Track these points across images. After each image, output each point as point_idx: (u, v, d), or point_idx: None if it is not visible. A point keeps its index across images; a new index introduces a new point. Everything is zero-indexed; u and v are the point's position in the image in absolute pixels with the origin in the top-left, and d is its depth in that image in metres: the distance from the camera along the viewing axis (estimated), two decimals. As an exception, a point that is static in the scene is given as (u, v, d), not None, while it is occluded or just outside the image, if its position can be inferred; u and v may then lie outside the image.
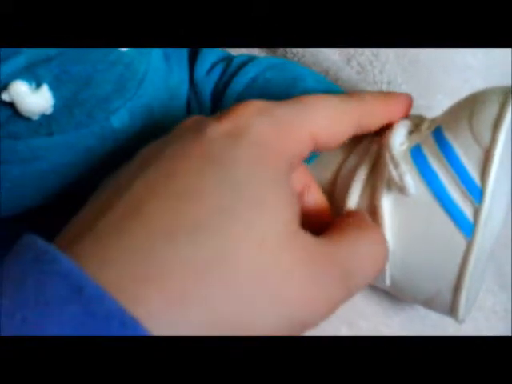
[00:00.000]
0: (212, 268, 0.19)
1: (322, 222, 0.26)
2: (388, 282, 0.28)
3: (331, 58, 0.37)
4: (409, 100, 0.28)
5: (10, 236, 0.23)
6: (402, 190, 0.26)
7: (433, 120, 0.28)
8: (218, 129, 0.22)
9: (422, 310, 0.31)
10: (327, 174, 0.29)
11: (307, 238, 0.22)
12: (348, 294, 0.22)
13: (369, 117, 0.26)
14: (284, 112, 0.23)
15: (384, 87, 0.36)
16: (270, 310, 0.20)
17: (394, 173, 0.26)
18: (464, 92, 0.34)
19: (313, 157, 0.30)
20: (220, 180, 0.21)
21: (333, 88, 0.32)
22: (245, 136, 0.22)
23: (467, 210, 0.25)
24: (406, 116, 0.28)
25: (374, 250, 0.24)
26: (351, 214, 0.26)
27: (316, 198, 0.27)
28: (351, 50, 0.37)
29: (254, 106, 0.23)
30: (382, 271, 0.27)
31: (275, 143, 0.22)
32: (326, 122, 0.24)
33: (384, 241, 0.25)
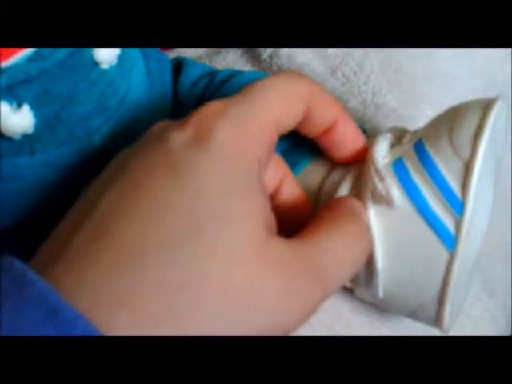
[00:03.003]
0: (182, 287, 0.19)
1: (301, 214, 0.26)
2: (381, 294, 0.28)
3: (316, 70, 0.37)
4: (359, 140, 0.27)
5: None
6: (388, 202, 0.26)
7: (414, 133, 0.28)
8: (181, 137, 0.22)
9: (407, 321, 0.31)
10: (311, 188, 0.29)
11: (279, 243, 0.21)
12: (325, 295, 0.22)
13: (317, 101, 0.25)
14: (240, 109, 0.23)
15: (369, 98, 0.36)
16: (245, 322, 0.20)
17: (379, 186, 0.26)
18: (448, 101, 0.34)
19: (297, 170, 0.30)
20: (184, 195, 0.20)
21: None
22: (207, 144, 0.21)
23: (449, 223, 0.25)
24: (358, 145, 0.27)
25: (350, 243, 0.23)
26: (332, 205, 0.25)
27: (293, 190, 0.27)
28: (336, 61, 0.38)
29: (212, 109, 0.22)
30: (372, 283, 0.27)
31: (238, 146, 0.22)
32: (283, 103, 0.24)
33: (364, 233, 0.24)
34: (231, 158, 0.21)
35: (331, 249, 0.22)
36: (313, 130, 0.26)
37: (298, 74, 0.25)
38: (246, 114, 0.23)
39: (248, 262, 0.20)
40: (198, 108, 0.23)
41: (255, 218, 0.21)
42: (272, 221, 0.23)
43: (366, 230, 0.25)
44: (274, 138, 0.24)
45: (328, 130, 0.26)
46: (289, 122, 0.24)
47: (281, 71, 0.24)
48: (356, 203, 0.26)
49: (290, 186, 0.26)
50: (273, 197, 0.26)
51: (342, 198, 0.26)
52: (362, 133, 0.28)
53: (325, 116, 0.26)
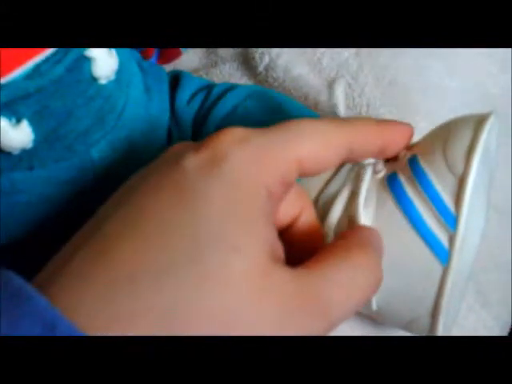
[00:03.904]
0: (171, 312, 0.19)
1: (316, 247, 0.25)
2: (375, 307, 0.28)
3: (311, 82, 0.38)
4: (407, 131, 0.26)
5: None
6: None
7: (408, 148, 0.28)
8: (195, 160, 0.21)
9: (402, 334, 0.32)
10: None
11: (282, 273, 0.21)
12: (330, 326, 0.21)
13: (360, 143, 0.24)
14: (265, 139, 0.22)
15: (363, 110, 0.37)
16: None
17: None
18: (441, 114, 0.35)
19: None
20: (186, 219, 0.20)
21: (311, 114, 0.32)
22: (220, 167, 0.21)
23: (443, 237, 0.26)
24: (406, 147, 0.27)
25: (359, 276, 0.22)
26: (346, 234, 0.24)
27: (310, 223, 0.26)
28: (332, 74, 0.38)
29: (234, 134, 0.22)
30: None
31: (248, 173, 0.21)
32: (312, 146, 0.23)
33: (374, 266, 0.23)
34: (239, 185, 0.21)
35: (337, 281, 0.21)
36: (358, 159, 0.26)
37: (338, 120, 0.24)
38: (271, 142, 0.22)
39: (245, 290, 0.20)
40: (217, 132, 0.22)
41: (257, 245, 0.20)
42: (279, 249, 0.22)
43: (379, 262, 0.23)
44: (293, 176, 0.23)
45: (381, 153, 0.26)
46: (317, 167, 0.23)
47: (322, 117, 0.24)
48: (373, 233, 0.25)
49: (307, 217, 0.26)
50: (289, 227, 0.26)
51: (358, 227, 0.25)
52: None
53: (372, 150, 0.25)
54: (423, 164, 0.26)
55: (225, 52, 0.42)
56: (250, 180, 0.21)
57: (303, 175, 0.23)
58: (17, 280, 0.19)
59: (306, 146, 0.22)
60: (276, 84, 0.38)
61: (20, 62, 0.26)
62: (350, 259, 0.22)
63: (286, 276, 0.21)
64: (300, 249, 0.25)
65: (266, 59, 0.38)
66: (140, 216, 0.21)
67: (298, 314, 0.20)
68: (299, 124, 0.23)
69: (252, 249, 0.20)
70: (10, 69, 0.26)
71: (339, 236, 0.25)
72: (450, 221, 0.25)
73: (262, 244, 0.21)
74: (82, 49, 0.27)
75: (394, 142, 0.26)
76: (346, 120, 0.24)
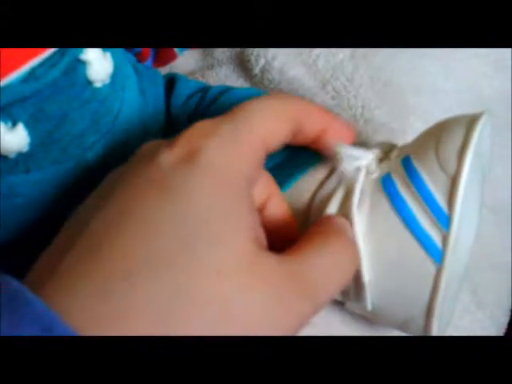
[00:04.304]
0: (169, 302, 0.19)
1: (286, 231, 0.26)
2: (370, 307, 0.28)
3: (306, 84, 0.38)
4: (347, 125, 0.28)
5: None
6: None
7: (402, 148, 0.29)
8: (170, 156, 0.22)
9: (397, 334, 0.32)
10: (301, 203, 0.29)
11: (269, 259, 0.22)
12: (314, 310, 0.22)
13: (306, 116, 0.26)
14: (228, 128, 0.23)
15: (358, 112, 0.37)
16: (237, 334, 0.20)
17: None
18: (436, 114, 0.35)
19: (288, 184, 0.30)
20: (172, 213, 0.21)
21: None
22: (195, 163, 0.22)
23: (436, 237, 0.26)
24: (349, 140, 0.28)
25: (339, 259, 0.24)
26: (320, 222, 0.26)
27: (279, 206, 0.27)
28: (327, 75, 0.38)
29: (201, 129, 0.23)
30: (361, 296, 0.28)
31: (226, 164, 0.22)
32: (270, 123, 0.24)
33: (350, 249, 0.25)
34: (219, 175, 0.22)
35: (320, 265, 0.23)
36: (304, 141, 0.27)
37: (285, 94, 0.25)
38: (234, 134, 0.23)
39: (237, 277, 0.20)
40: (187, 128, 0.23)
41: (243, 233, 0.21)
42: (262, 236, 0.23)
43: (353, 247, 0.25)
44: (262, 157, 0.24)
45: (320, 135, 0.27)
46: (276, 141, 0.25)
47: (270, 93, 0.25)
48: (343, 221, 0.26)
49: (277, 203, 0.27)
50: (259, 213, 0.27)
51: (329, 216, 0.27)
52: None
53: (315, 128, 0.26)
54: (416, 164, 0.27)
55: (221, 54, 0.42)
56: (227, 169, 0.22)
57: (267, 152, 0.24)
58: (15, 284, 0.20)
59: (266, 124, 0.24)
60: (272, 86, 0.38)
61: (15, 66, 0.26)
62: (329, 245, 0.24)
63: (273, 261, 0.22)
64: (271, 234, 0.25)
65: (262, 61, 0.39)
66: (123, 213, 0.21)
67: (288, 297, 0.21)
68: (250, 106, 0.24)
69: (239, 235, 0.21)
70: (6, 73, 0.26)
71: (314, 224, 0.26)
72: (443, 220, 0.26)
73: (248, 232, 0.22)
74: (77, 52, 0.27)
75: (333, 128, 0.27)
76: (291, 96, 0.25)
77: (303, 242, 0.24)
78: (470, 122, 0.26)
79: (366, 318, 0.31)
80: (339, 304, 0.30)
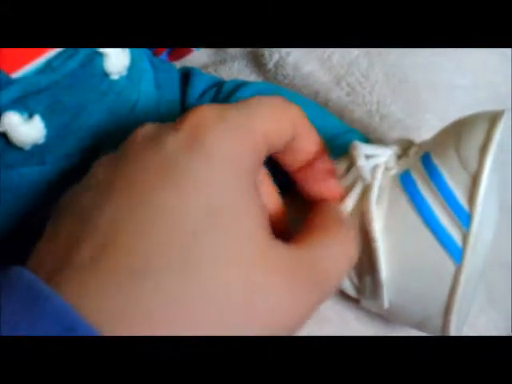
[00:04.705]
0: (192, 299, 0.19)
1: (277, 222, 0.26)
2: (386, 305, 0.28)
3: (321, 80, 0.37)
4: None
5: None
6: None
7: (421, 145, 0.28)
8: (175, 140, 0.22)
9: (413, 332, 0.32)
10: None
11: (280, 248, 0.22)
12: (322, 299, 0.23)
13: (303, 128, 0.25)
14: (235, 115, 0.23)
15: (374, 108, 0.36)
16: (250, 325, 0.20)
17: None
18: (452, 111, 0.35)
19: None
20: (187, 204, 0.20)
21: (321, 112, 0.32)
22: (204, 147, 0.21)
23: (456, 235, 0.25)
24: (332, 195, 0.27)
25: (342, 250, 0.24)
26: (319, 211, 0.26)
27: (271, 198, 0.27)
28: (341, 71, 0.38)
29: (207, 112, 0.22)
30: (378, 294, 0.28)
31: (234, 151, 0.22)
32: (272, 120, 0.24)
33: (351, 240, 0.25)
34: (229, 162, 0.22)
35: (326, 255, 0.23)
36: (294, 161, 0.26)
37: (289, 100, 0.25)
38: (240, 121, 0.23)
39: (251, 266, 0.20)
40: (191, 110, 0.23)
41: (256, 221, 0.21)
42: (268, 224, 0.23)
43: (354, 237, 0.25)
44: (264, 150, 0.24)
45: (307, 165, 0.27)
46: (278, 139, 0.24)
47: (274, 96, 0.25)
48: (339, 210, 0.26)
49: (268, 192, 0.26)
50: None
51: (326, 203, 0.27)
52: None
53: (307, 147, 0.26)
54: (436, 161, 0.26)
55: (234, 49, 0.41)
56: (237, 158, 0.22)
57: (269, 151, 0.24)
58: (29, 276, 0.19)
59: (270, 119, 0.24)
60: (286, 81, 0.38)
61: (31, 58, 0.26)
62: (333, 236, 0.24)
63: (284, 250, 0.22)
64: None
65: (276, 56, 0.38)
66: (135, 203, 0.21)
67: (299, 285, 0.22)
68: (257, 101, 0.24)
69: (251, 224, 0.21)
70: (22, 64, 0.26)
71: (314, 213, 0.26)
72: (464, 218, 0.25)
73: (259, 220, 0.22)
74: (94, 44, 0.27)
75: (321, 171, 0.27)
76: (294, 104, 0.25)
77: (307, 232, 0.24)
78: (492, 119, 0.26)
79: (382, 316, 0.30)
80: (355, 301, 0.30)
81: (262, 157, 0.24)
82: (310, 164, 0.26)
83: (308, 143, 0.26)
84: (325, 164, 0.27)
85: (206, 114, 0.22)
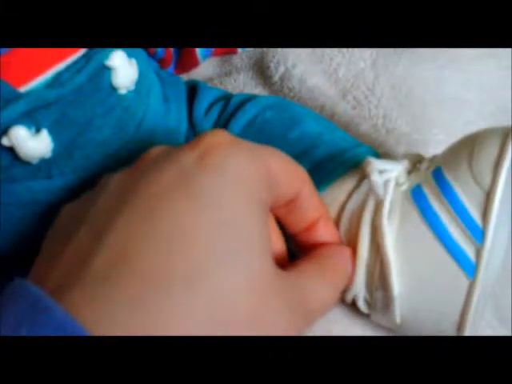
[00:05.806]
0: (210, 319, 0.19)
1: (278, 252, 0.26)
2: (398, 321, 0.28)
3: (327, 93, 0.37)
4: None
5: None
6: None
7: (432, 159, 0.28)
8: (192, 158, 0.22)
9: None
10: (334, 205, 0.29)
11: (283, 275, 0.23)
12: (305, 328, 0.23)
13: (307, 180, 0.26)
14: (251, 145, 0.23)
15: (380, 122, 0.36)
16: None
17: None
18: (458, 126, 0.35)
19: (322, 188, 0.29)
20: (206, 222, 0.20)
21: (330, 126, 0.32)
22: (221, 168, 0.22)
23: (469, 250, 0.25)
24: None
25: (333, 289, 0.25)
26: (321, 252, 0.26)
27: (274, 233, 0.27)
28: (347, 85, 0.38)
29: (224, 136, 0.23)
30: (390, 309, 0.27)
31: (251, 176, 0.22)
32: (284, 164, 0.24)
33: (343, 281, 0.26)
34: (247, 187, 0.22)
35: (317, 291, 0.24)
36: (296, 222, 0.27)
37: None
38: (256, 151, 0.23)
39: (264, 292, 0.21)
40: (207, 132, 0.23)
41: (267, 248, 0.22)
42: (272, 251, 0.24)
43: (346, 278, 0.27)
44: (274, 187, 0.24)
45: (310, 227, 0.27)
46: (286, 186, 0.24)
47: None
48: (344, 255, 0.27)
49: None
50: None
51: (331, 246, 0.27)
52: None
53: (310, 208, 0.26)
54: (448, 176, 0.26)
55: (239, 61, 0.41)
56: (254, 184, 0.22)
57: (278, 195, 0.24)
58: (34, 290, 0.19)
59: (281, 163, 0.24)
60: (291, 94, 0.38)
61: (40, 71, 0.26)
62: (327, 275, 0.25)
63: (286, 278, 0.23)
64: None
65: (282, 69, 0.38)
66: (152, 218, 0.20)
67: (295, 312, 0.22)
68: (273, 148, 0.24)
69: (265, 250, 0.22)
70: (29, 78, 0.26)
71: (317, 251, 0.26)
72: (477, 234, 0.25)
73: (268, 244, 0.22)
74: (103, 58, 0.27)
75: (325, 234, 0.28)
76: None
77: (305, 266, 0.25)
78: (504, 134, 0.26)
79: (392, 331, 0.30)
80: (361, 317, 0.30)
81: (273, 193, 0.24)
82: (312, 226, 0.27)
83: (311, 205, 0.26)
84: (327, 228, 0.27)
85: (221, 137, 0.23)
